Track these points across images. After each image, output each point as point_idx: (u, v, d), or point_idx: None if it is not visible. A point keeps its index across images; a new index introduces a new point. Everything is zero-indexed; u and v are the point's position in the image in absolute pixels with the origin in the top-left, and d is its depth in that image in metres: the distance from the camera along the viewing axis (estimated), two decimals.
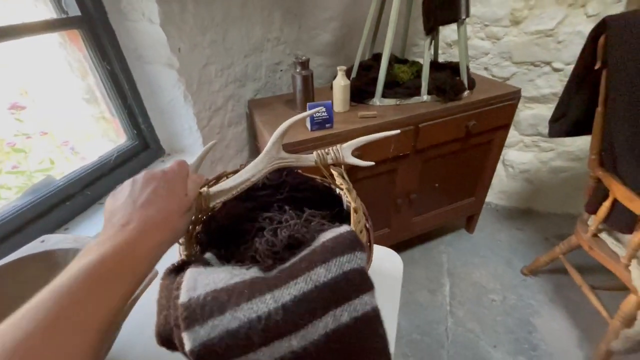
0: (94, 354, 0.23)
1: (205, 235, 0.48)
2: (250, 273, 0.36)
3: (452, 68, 1.26)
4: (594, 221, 1.08)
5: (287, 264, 0.36)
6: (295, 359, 0.31)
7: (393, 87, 1.19)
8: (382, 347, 0.36)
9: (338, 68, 1.07)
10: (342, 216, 0.51)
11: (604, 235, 1.08)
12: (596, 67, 0.96)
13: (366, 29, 1.21)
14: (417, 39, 1.62)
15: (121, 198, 0.33)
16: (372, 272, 0.58)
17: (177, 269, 0.38)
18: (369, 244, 0.46)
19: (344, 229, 0.38)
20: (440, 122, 1.15)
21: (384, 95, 1.17)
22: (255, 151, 1.38)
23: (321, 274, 0.33)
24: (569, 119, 1.11)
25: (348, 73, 1.22)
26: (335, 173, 0.45)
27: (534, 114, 1.58)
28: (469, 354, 1.20)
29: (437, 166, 1.29)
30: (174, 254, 0.40)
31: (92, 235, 0.68)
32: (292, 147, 0.99)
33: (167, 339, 0.33)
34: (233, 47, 1.14)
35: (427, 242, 1.67)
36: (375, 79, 1.15)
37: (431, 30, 1.11)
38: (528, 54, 1.46)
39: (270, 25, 1.26)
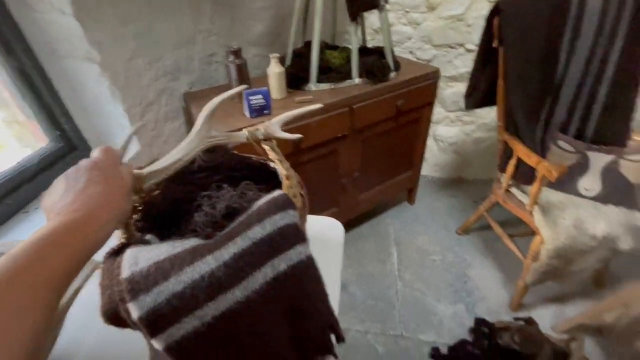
0: (48, 312, 0.25)
1: (146, 222, 0.48)
2: (191, 243, 0.38)
3: (379, 52, 1.36)
4: (505, 178, 1.26)
5: (226, 230, 0.39)
6: (241, 308, 0.35)
7: (327, 72, 1.25)
8: (319, 289, 0.41)
9: (271, 56, 1.10)
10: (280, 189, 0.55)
11: (513, 190, 1.27)
12: (494, 46, 1.11)
13: (294, 18, 1.25)
14: (346, 25, 1.69)
15: (58, 192, 0.33)
16: (315, 239, 0.65)
17: (117, 252, 0.38)
18: (304, 209, 0.51)
19: (276, 193, 0.42)
20: (372, 102, 1.24)
21: (318, 81, 1.23)
22: None
23: (257, 232, 0.37)
24: (479, 92, 1.27)
25: (283, 61, 1.25)
26: (267, 148, 0.49)
27: (454, 91, 1.76)
28: (417, 310, 1.34)
29: (375, 144, 1.39)
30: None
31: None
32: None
33: (114, 316, 0.34)
34: (161, 39, 1.10)
35: (374, 217, 1.79)
36: (309, 65, 1.20)
37: (356, 17, 1.18)
38: (445, 37, 1.62)
39: (200, 17, 1.23)
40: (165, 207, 0.50)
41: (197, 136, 0.44)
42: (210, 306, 0.34)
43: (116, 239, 0.42)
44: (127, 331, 0.35)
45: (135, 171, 0.40)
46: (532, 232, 1.20)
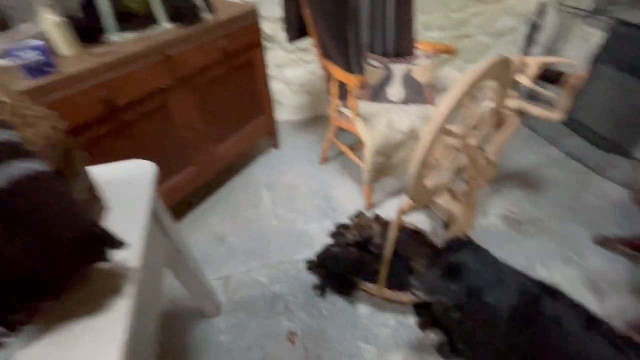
0: None
1: None
2: None
3: None
4: (333, 101, 1.42)
5: None
6: None
7: (130, 20, 1.13)
8: (62, 202, 0.41)
9: (38, 2, 0.92)
10: None
11: (343, 109, 1.45)
12: None
13: None
14: None
15: None
16: (121, 182, 0.64)
17: None
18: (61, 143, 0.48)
19: None
20: (191, 47, 1.19)
21: (121, 30, 1.10)
22: None
23: None
24: (293, 25, 1.35)
25: (65, 11, 1.06)
26: None
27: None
28: (291, 236, 1.47)
29: (210, 92, 1.37)
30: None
31: None
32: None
33: None
34: None
35: (244, 169, 1.83)
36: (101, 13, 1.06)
37: None
38: None
39: None
40: None
41: None
42: None
43: None
44: None
45: None
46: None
